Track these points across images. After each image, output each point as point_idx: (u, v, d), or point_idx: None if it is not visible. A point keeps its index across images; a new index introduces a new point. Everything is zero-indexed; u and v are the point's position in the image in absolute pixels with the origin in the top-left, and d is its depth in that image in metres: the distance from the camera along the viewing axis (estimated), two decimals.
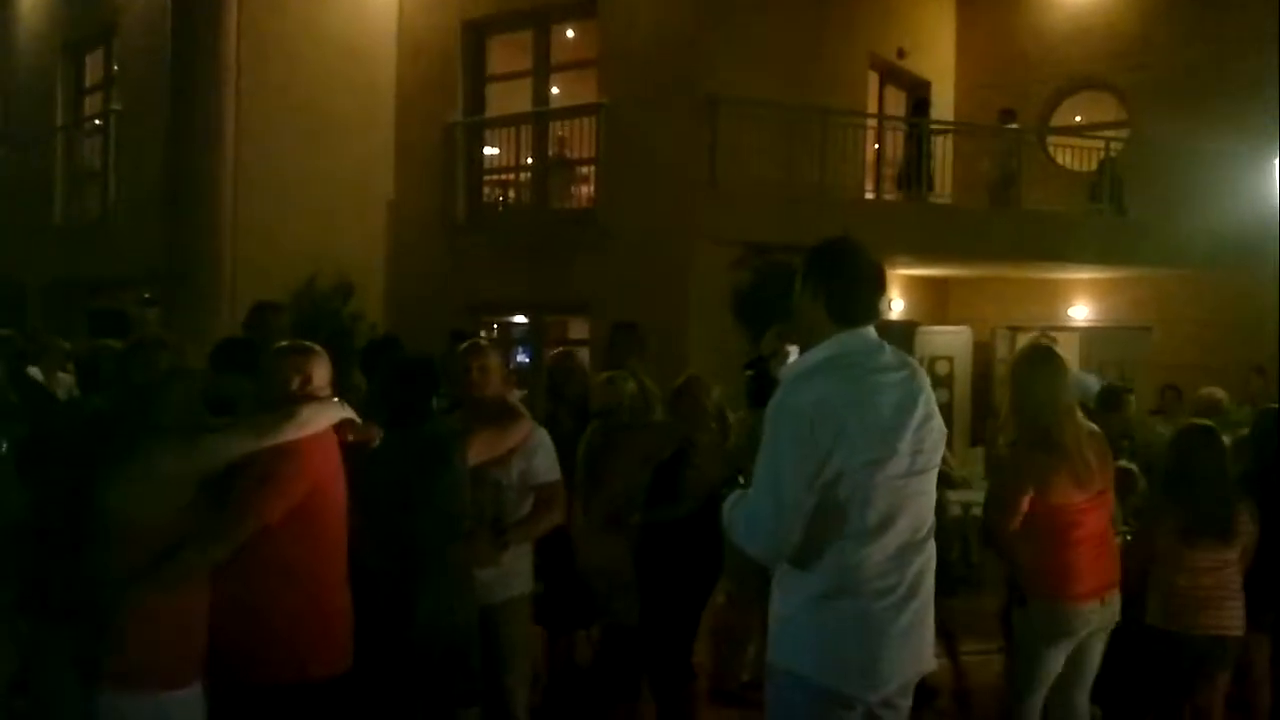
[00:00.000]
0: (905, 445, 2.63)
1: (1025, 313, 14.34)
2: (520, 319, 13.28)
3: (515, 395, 4.59)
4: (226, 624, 3.20)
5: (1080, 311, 14.28)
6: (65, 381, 9.25)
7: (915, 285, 14.35)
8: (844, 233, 8.26)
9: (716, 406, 5.23)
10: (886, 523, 2.60)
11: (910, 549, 2.64)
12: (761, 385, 3.88)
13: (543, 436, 4.48)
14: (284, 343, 3.72)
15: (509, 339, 13.39)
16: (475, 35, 12.69)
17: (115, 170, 13.24)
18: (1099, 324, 14.10)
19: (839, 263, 2.74)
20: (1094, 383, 7.36)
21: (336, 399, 3.64)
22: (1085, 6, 14.26)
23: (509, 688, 4.38)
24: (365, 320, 11.58)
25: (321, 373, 3.54)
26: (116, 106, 13.27)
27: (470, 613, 4.01)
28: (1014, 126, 13.23)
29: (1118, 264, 12.85)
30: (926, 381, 2.76)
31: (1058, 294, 14.26)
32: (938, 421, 2.73)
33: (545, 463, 4.43)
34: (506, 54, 12.87)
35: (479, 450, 4.11)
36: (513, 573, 4.36)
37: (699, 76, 10.87)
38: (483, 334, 13.00)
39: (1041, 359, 4.23)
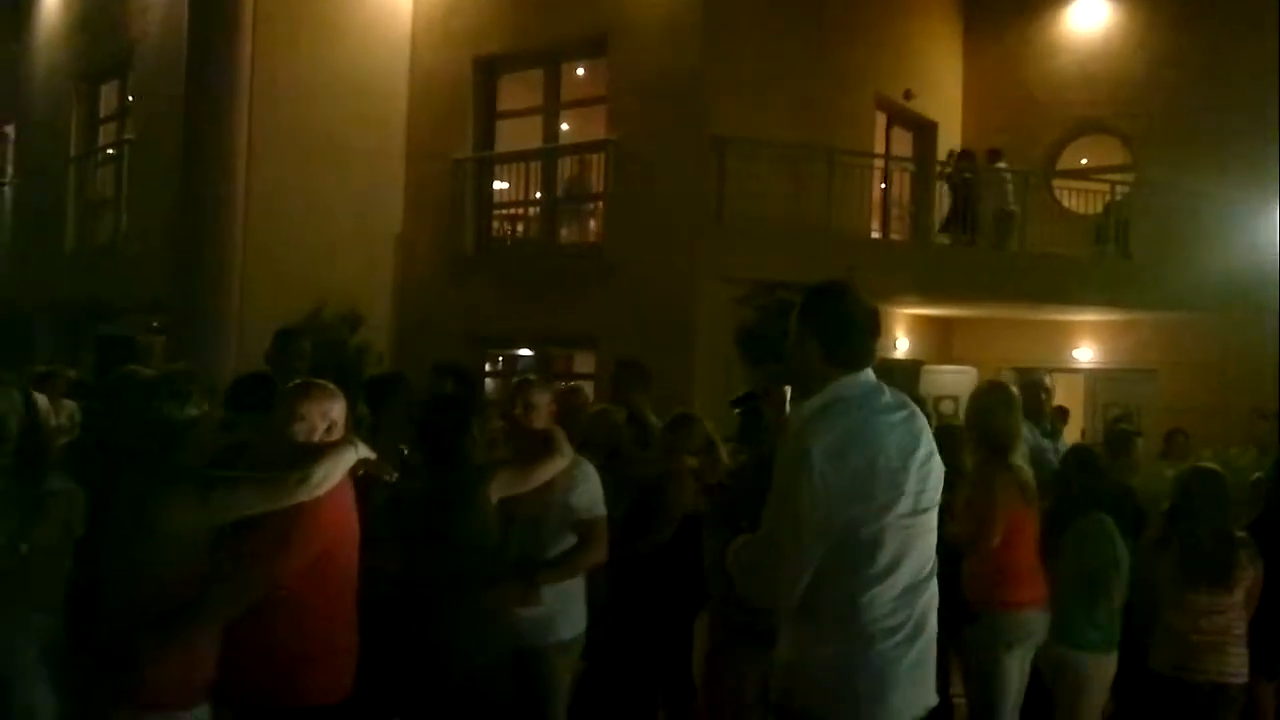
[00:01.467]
0: (910, 485, 2.64)
1: (1030, 353, 14.35)
2: (525, 352, 13.32)
3: (559, 430, 4.45)
4: (235, 654, 3.22)
5: (1085, 353, 14.31)
6: (68, 408, 9.29)
7: (920, 325, 14.39)
8: (848, 271, 8.37)
9: (706, 440, 5.20)
10: (895, 563, 2.61)
11: (916, 588, 2.66)
12: (752, 423, 3.91)
13: (587, 471, 4.38)
14: (298, 381, 3.66)
15: (513, 372, 13.42)
16: (486, 72, 12.82)
17: (127, 199, 13.37)
18: (1104, 366, 14.12)
19: (833, 306, 2.75)
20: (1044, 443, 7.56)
21: (351, 440, 3.61)
22: (1091, 52, 14.40)
23: None
24: (372, 351, 11.62)
25: (337, 413, 3.51)
26: (130, 136, 13.42)
27: (497, 653, 3.95)
28: (1002, 165, 13.28)
29: (1122, 306, 12.89)
30: (925, 422, 2.78)
31: (1062, 335, 14.29)
32: (938, 460, 2.75)
33: (587, 499, 4.32)
34: (517, 91, 13.00)
35: (505, 484, 4.07)
36: (558, 612, 4.27)
37: (706, 115, 10.97)
38: (487, 367, 13.04)
39: (997, 390, 4.84)
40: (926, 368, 13.68)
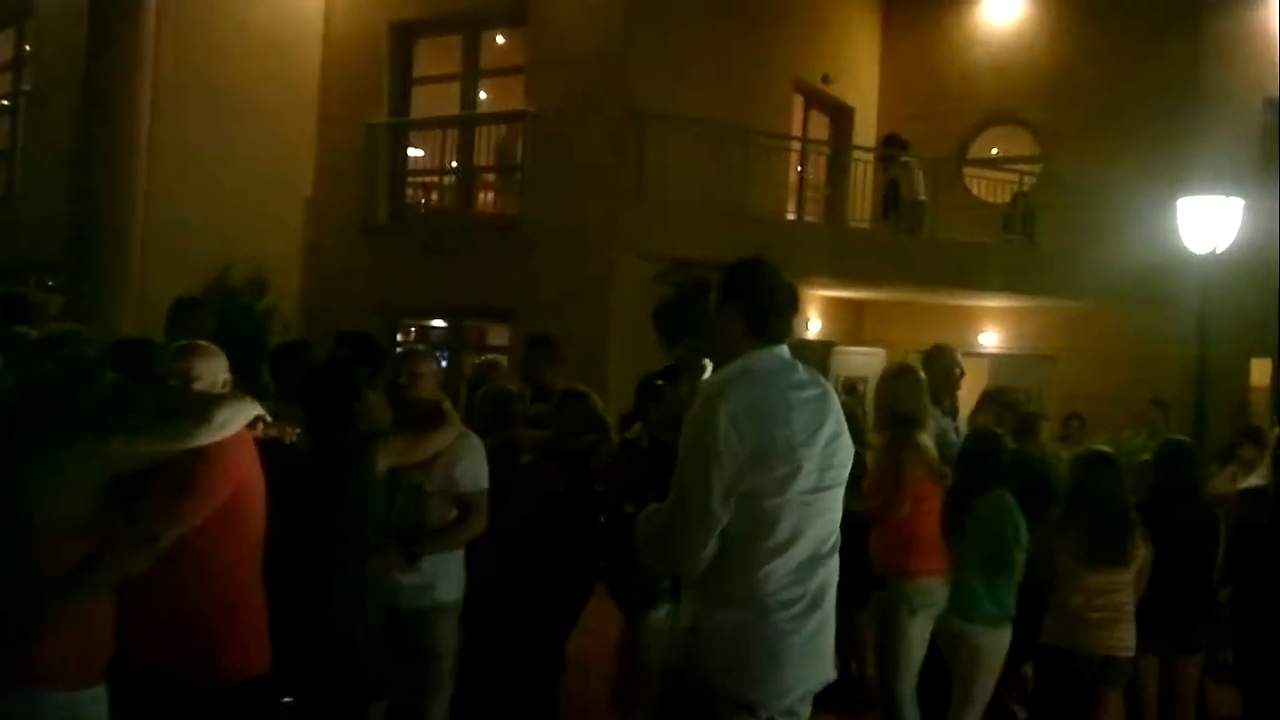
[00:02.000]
0: (814, 461, 2.68)
1: (937, 337, 14.39)
2: (439, 323, 13.16)
3: (447, 402, 4.51)
4: (140, 623, 3.08)
5: (990, 338, 14.65)
6: None
7: (832, 306, 14.58)
8: (763, 251, 8.38)
9: (595, 417, 5.17)
10: (794, 537, 2.65)
11: (815, 562, 2.70)
12: (646, 397, 3.93)
13: (472, 444, 4.44)
14: (184, 341, 3.61)
15: (428, 344, 13.24)
16: (403, 36, 12.59)
17: (22, 152, 12.83)
18: (1007, 351, 14.48)
19: (758, 281, 2.79)
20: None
21: (247, 397, 3.56)
22: (1004, 44, 14.69)
23: (423, 690, 4.40)
24: (279, 318, 11.36)
25: (223, 371, 3.45)
26: (26, 87, 12.87)
27: (371, 615, 4.01)
28: (905, 160, 13.46)
29: (1026, 293, 13.22)
30: (836, 400, 2.82)
31: (969, 320, 14.60)
32: (846, 439, 2.79)
33: (471, 471, 4.38)
34: (435, 57, 12.78)
35: (393, 454, 4.10)
36: (437, 579, 4.35)
37: (626, 89, 10.93)
38: (399, 337, 12.85)
39: (906, 373, 5.08)
40: (838, 348, 13.89)
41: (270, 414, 3.90)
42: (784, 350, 2.80)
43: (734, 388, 2.67)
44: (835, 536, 2.78)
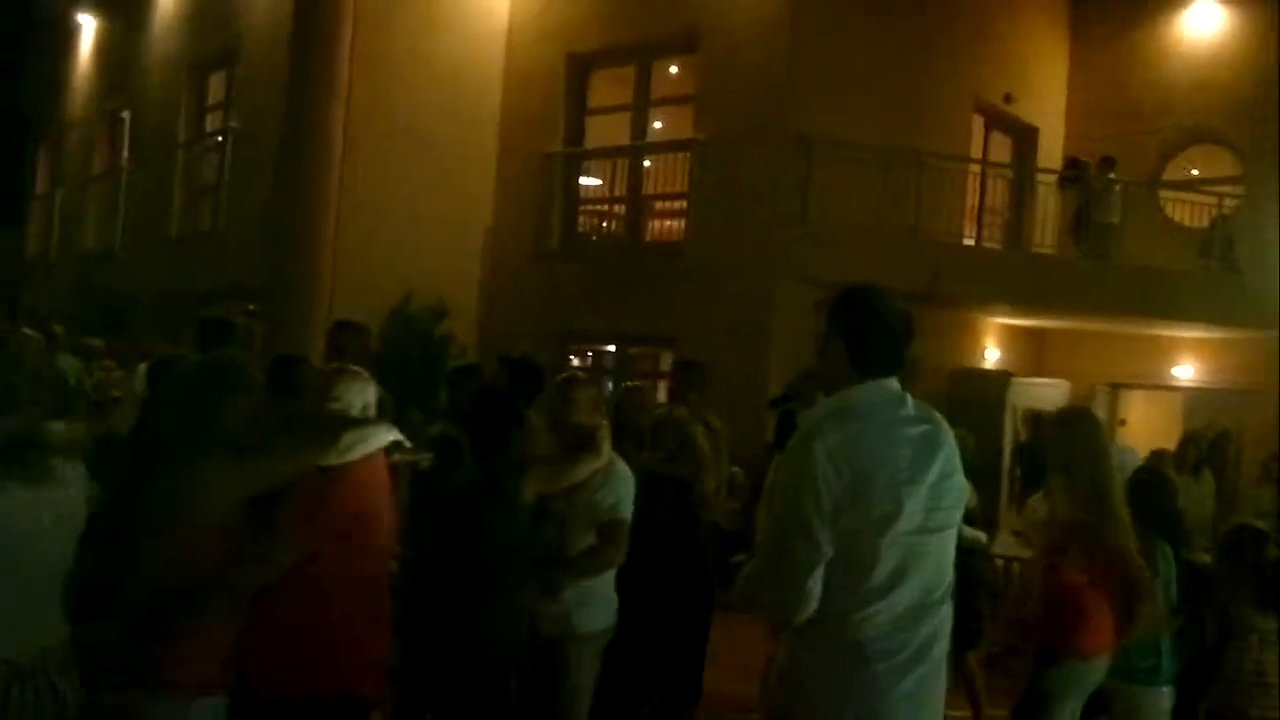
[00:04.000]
0: (919, 501, 2.55)
1: (1126, 369, 13.89)
2: (610, 349, 13.35)
3: (604, 428, 4.44)
4: (256, 638, 3.21)
5: (1185, 371, 13.76)
6: None
7: (1012, 335, 14.02)
8: (933, 277, 8.26)
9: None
10: (896, 581, 2.52)
11: (922, 610, 2.56)
12: (786, 428, 3.84)
13: (618, 471, 4.36)
14: (333, 365, 3.76)
15: (600, 368, 13.44)
16: (579, 68, 12.89)
17: (228, 186, 13.77)
18: (1206, 384, 13.56)
19: (862, 311, 2.68)
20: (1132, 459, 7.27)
21: (384, 422, 3.66)
22: (1203, 59, 13.84)
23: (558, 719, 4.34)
24: (457, 343, 11.79)
25: (359, 395, 3.56)
26: (234, 124, 13.83)
27: (517, 644, 4.02)
28: (1111, 176, 12.85)
29: (1226, 323, 12.36)
30: (950, 437, 2.68)
31: (1162, 351, 13.77)
32: (959, 479, 2.65)
33: (611, 498, 4.31)
34: (609, 87, 13.04)
35: (540, 481, 4.12)
36: (575, 607, 4.28)
37: (793, 115, 10.84)
38: (573, 361, 13.10)
39: (1082, 420, 4.40)
40: (1016, 379, 13.32)
41: (441, 435, 4.02)
42: (892, 383, 2.68)
43: (832, 423, 2.58)
44: (947, 583, 2.63)
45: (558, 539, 4.30)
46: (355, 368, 3.71)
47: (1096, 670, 4.16)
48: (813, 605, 2.54)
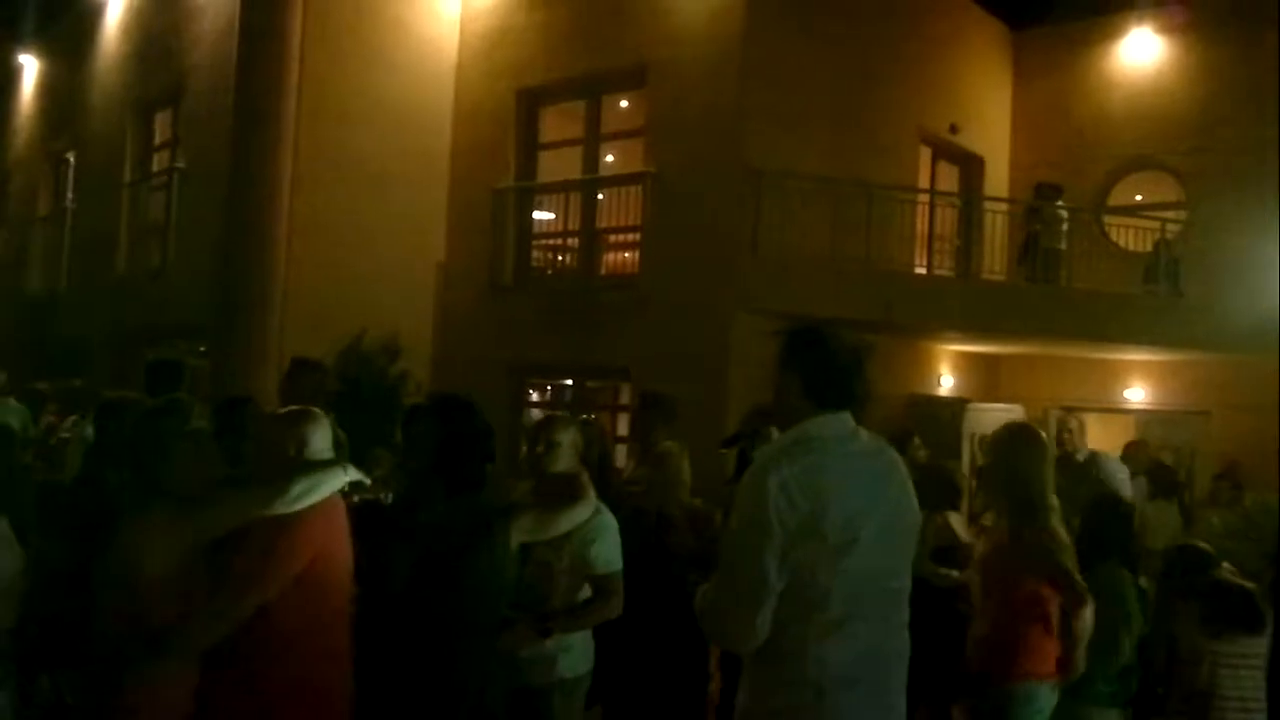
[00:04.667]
0: (873, 533, 2.55)
1: (1079, 393, 14.04)
2: (566, 382, 13.30)
3: (585, 475, 4.32)
4: (220, 690, 3.17)
5: (1136, 394, 13.96)
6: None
7: (965, 362, 14.16)
8: (886, 307, 8.31)
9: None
10: (852, 612, 2.52)
11: (881, 641, 2.56)
12: (744, 464, 3.85)
13: (605, 523, 4.22)
14: (288, 409, 3.69)
15: (559, 403, 13.36)
16: (529, 103, 12.91)
17: (176, 225, 13.61)
18: (1156, 407, 13.76)
19: (814, 347, 2.72)
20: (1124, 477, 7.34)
21: (340, 464, 3.58)
22: (1143, 87, 14.14)
23: None
24: (411, 379, 11.68)
25: (319, 437, 3.50)
26: (180, 164, 13.68)
27: (499, 691, 3.91)
28: (1060, 205, 13.06)
29: (1173, 346, 12.57)
30: (903, 470, 2.69)
31: (1113, 374, 13.97)
32: (912, 511, 2.65)
33: (605, 552, 4.18)
34: (559, 122, 13.07)
35: (525, 530, 3.98)
36: (560, 652, 4.18)
37: (743, 148, 10.91)
38: (532, 395, 13.02)
39: (1024, 437, 4.33)
40: (971, 405, 13.43)
41: (401, 473, 3.89)
42: (846, 417, 2.70)
43: (787, 456, 2.59)
44: (902, 614, 2.63)
45: (542, 587, 4.16)
46: (314, 410, 3.65)
47: (1041, 694, 4.11)
48: (760, 637, 2.53)
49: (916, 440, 8.22)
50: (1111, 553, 4.49)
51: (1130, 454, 9.54)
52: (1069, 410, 13.80)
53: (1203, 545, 4.99)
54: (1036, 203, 13.06)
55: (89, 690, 3.18)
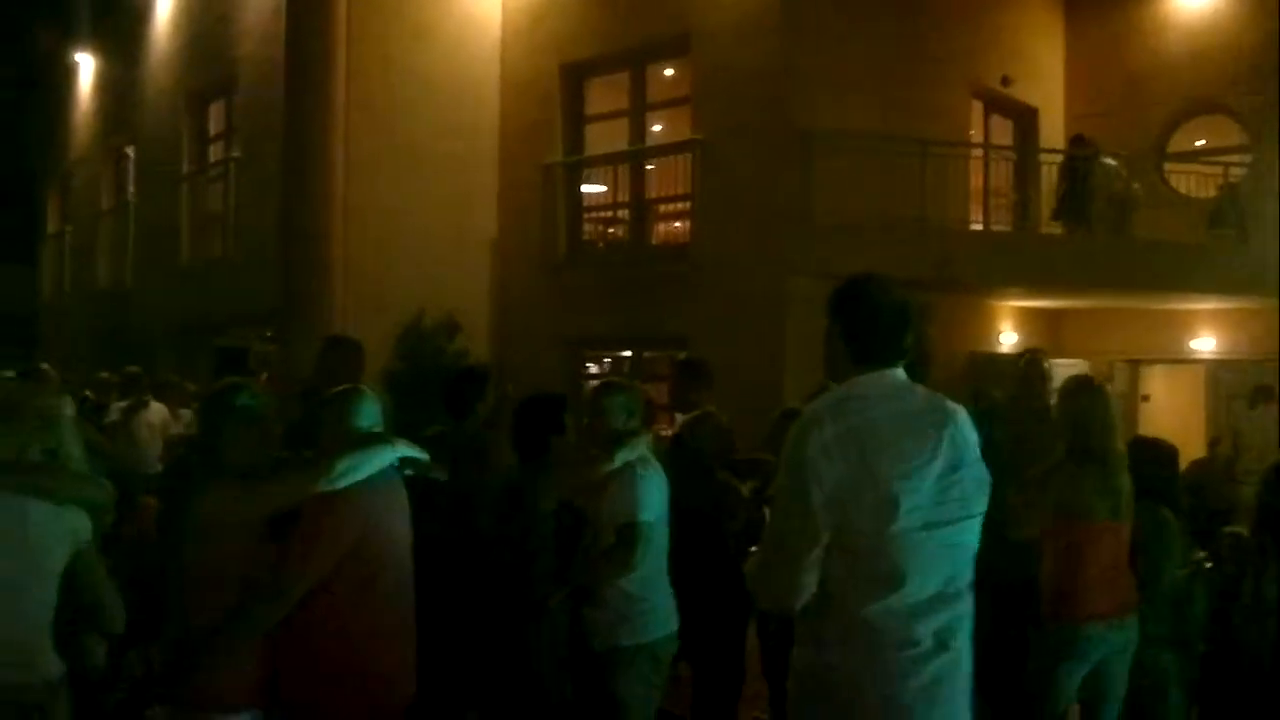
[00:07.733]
0: (923, 495, 2.51)
1: (1145, 345, 13.80)
2: (625, 354, 13.34)
3: (645, 434, 4.37)
4: (288, 657, 3.30)
5: (1205, 344, 13.66)
6: (186, 417, 9.73)
7: (1027, 317, 13.94)
8: (944, 264, 8.21)
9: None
10: (902, 574, 2.49)
11: (939, 601, 2.52)
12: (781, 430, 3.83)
13: (635, 474, 4.18)
14: (341, 388, 3.76)
15: (618, 373, 13.37)
16: (574, 77, 12.90)
17: (235, 214, 13.84)
18: (1225, 356, 13.46)
19: (856, 302, 2.67)
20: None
21: (392, 437, 3.65)
22: (1201, 28, 13.74)
23: None
24: (471, 357, 11.80)
25: (363, 414, 3.55)
26: (236, 154, 13.89)
27: (557, 647, 4.08)
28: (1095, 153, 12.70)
29: (1240, 294, 12.27)
30: (961, 428, 2.64)
31: (1180, 325, 13.68)
32: (972, 470, 2.61)
33: (627, 501, 4.16)
34: (605, 94, 13.05)
35: (557, 485, 4.20)
36: (619, 621, 4.16)
37: (792, 110, 10.82)
38: (591, 369, 13.09)
39: (1085, 389, 4.42)
40: None
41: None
42: (895, 373, 2.65)
43: (831, 414, 2.56)
44: (965, 575, 2.59)
45: (594, 544, 4.24)
46: (360, 387, 3.73)
47: (1090, 637, 4.14)
48: (806, 594, 2.52)
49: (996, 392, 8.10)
50: (1150, 493, 4.46)
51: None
52: (1135, 362, 13.64)
53: None
54: (1088, 151, 12.75)
55: (172, 663, 3.32)
